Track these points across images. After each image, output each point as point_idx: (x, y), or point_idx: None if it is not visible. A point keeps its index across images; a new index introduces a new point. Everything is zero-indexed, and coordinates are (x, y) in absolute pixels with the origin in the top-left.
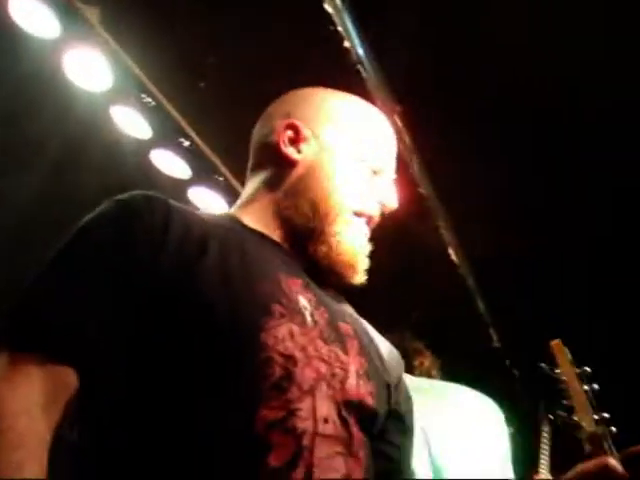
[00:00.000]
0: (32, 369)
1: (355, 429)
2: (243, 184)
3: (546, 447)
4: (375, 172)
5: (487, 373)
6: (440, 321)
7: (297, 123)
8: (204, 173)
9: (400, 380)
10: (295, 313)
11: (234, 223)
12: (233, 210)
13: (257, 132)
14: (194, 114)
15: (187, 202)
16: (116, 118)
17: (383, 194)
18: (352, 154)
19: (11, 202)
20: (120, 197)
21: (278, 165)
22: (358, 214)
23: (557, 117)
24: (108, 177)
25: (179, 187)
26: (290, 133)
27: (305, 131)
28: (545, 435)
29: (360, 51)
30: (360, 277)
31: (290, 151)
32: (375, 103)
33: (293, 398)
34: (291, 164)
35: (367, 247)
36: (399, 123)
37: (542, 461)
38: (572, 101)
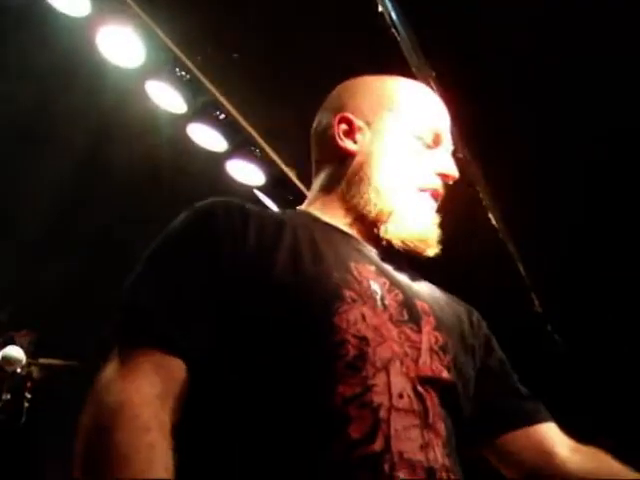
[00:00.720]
0: (146, 365)
1: (432, 403)
2: (280, 155)
3: None
4: (431, 146)
5: (528, 338)
6: (480, 285)
7: (349, 115)
8: (241, 145)
9: (486, 337)
10: (366, 297)
11: (304, 216)
12: (304, 206)
13: (314, 128)
14: (229, 86)
15: (225, 175)
16: (151, 93)
17: (441, 165)
18: (406, 134)
19: (49, 182)
20: (197, 205)
21: (338, 158)
22: (422, 190)
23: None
24: (146, 154)
25: (216, 160)
26: (344, 126)
27: (358, 122)
28: None
29: (394, 15)
30: (433, 249)
31: (346, 144)
32: (410, 68)
33: (368, 375)
34: (349, 155)
35: (435, 219)
36: (434, 88)
37: None
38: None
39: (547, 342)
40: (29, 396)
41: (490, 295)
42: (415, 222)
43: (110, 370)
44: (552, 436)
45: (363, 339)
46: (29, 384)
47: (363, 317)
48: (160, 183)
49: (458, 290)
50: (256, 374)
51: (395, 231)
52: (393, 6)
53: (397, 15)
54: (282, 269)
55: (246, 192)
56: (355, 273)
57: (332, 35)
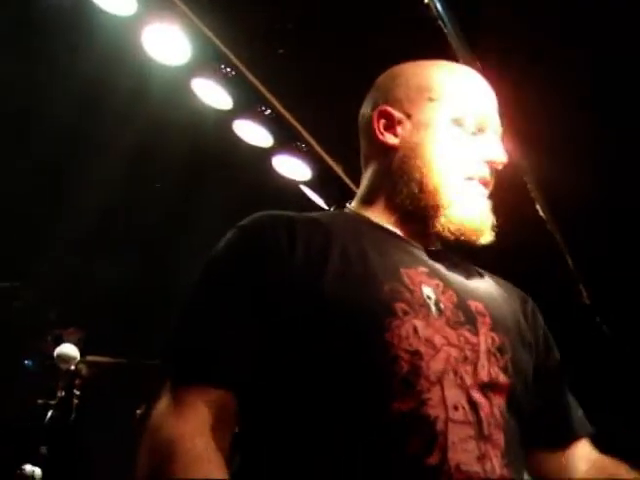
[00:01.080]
0: (198, 401)
1: (488, 412)
2: (326, 149)
3: None
4: (476, 132)
5: (577, 330)
6: (529, 278)
7: (388, 109)
8: (286, 140)
9: (545, 333)
10: (419, 307)
11: (352, 219)
12: (353, 204)
13: (360, 121)
14: (274, 82)
15: (271, 170)
16: (197, 90)
17: (488, 151)
18: (448, 122)
19: (96, 180)
20: (242, 223)
21: (381, 154)
22: (469, 179)
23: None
24: (193, 150)
25: (262, 156)
26: (384, 120)
27: (397, 114)
28: None
29: (439, 6)
30: (487, 236)
31: (387, 138)
32: (457, 58)
33: (423, 390)
34: (392, 150)
35: (486, 206)
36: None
37: None
38: None
39: (595, 334)
40: (78, 393)
41: (538, 287)
42: (466, 211)
43: (163, 405)
44: (580, 458)
45: (416, 353)
46: (78, 381)
47: (415, 330)
48: (207, 179)
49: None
50: (309, 395)
51: (445, 224)
52: None
53: (443, 6)
54: (331, 286)
55: (292, 187)
56: (406, 281)
57: (378, 27)
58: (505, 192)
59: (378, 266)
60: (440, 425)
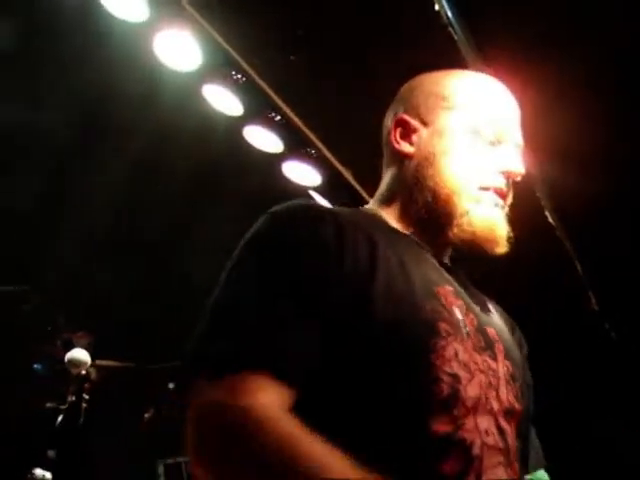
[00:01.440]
0: (254, 386)
1: (511, 439)
2: (336, 155)
3: None
4: (494, 142)
5: (585, 336)
6: (539, 284)
7: (404, 117)
8: (296, 146)
9: (526, 362)
10: (457, 329)
11: (383, 223)
12: (374, 205)
13: (383, 132)
14: (285, 88)
15: (281, 176)
16: (208, 96)
17: (504, 162)
18: (464, 132)
19: (107, 185)
20: (281, 209)
21: (398, 162)
22: (483, 188)
23: None
24: (203, 156)
25: (272, 161)
26: (400, 129)
27: (414, 122)
28: None
29: (449, 13)
30: (502, 247)
31: (402, 146)
32: (467, 65)
33: (459, 414)
34: (407, 158)
35: (501, 216)
36: None
37: None
38: None
39: (604, 340)
40: (87, 397)
41: (547, 293)
42: (479, 221)
43: (222, 392)
44: None
45: (455, 377)
46: (87, 385)
47: (456, 354)
48: (217, 185)
49: (516, 288)
50: (348, 410)
51: (458, 233)
52: (449, 5)
53: (453, 14)
54: (378, 300)
55: (302, 193)
56: (443, 301)
57: (389, 35)
58: (514, 199)
59: (416, 280)
60: (476, 450)
